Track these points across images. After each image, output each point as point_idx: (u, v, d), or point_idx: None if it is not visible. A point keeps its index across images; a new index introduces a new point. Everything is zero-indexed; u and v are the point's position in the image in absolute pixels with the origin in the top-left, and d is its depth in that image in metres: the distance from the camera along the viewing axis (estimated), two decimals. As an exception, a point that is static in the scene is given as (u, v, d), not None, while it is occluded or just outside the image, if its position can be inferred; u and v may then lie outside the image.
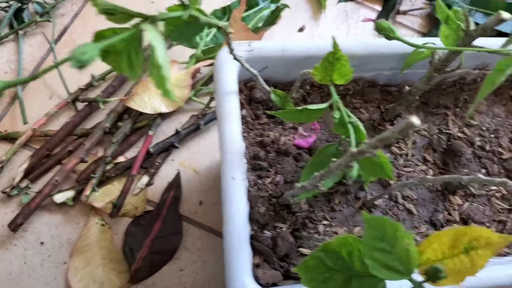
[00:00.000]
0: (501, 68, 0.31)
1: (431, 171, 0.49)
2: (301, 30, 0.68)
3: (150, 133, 0.56)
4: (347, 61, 0.35)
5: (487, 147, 0.49)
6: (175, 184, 0.56)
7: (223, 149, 0.40)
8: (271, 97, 0.43)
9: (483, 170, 0.49)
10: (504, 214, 0.48)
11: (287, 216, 0.44)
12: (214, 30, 0.64)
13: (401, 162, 0.48)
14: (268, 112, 0.38)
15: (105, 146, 0.57)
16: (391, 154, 0.49)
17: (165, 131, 0.59)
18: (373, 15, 0.70)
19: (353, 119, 0.37)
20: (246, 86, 0.46)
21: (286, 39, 0.43)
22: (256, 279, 0.41)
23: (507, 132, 0.51)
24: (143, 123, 0.58)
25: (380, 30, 0.27)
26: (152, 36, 0.22)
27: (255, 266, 0.42)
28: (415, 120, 0.25)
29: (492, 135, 0.50)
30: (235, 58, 0.37)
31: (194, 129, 0.58)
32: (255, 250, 0.43)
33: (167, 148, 0.57)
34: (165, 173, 0.58)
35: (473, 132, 0.50)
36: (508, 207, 0.49)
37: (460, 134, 0.50)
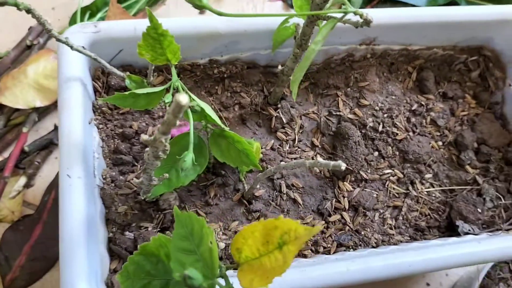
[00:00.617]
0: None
1: (318, 157, 0.45)
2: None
3: (24, 130, 0.51)
4: (172, 37, 0.30)
5: (380, 128, 0.46)
6: (56, 185, 0.52)
7: (60, 142, 0.35)
8: (126, 83, 0.39)
9: (376, 153, 0.45)
10: (400, 199, 0.45)
11: (154, 214, 0.40)
12: (102, 14, 0.59)
13: (286, 149, 0.44)
14: (99, 99, 0.33)
15: (-21, 145, 0.52)
16: (276, 140, 0.45)
17: (48, 127, 0.54)
18: (282, -6, 0.66)
19: (193, 103, 0.32)
20: (103, 73, 0.42)
21: (139, 19, 0.39)
22: (111, 285, 0.36)
23: (403, 111, 0.47)
24: (19, 119, 0.53)
25: None
26: None
27: (113, 271, 0.38)
28: (182, 98, 0.20)
29: (386, 115, 0.46)
30: (77, 50, 0.33)
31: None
32: (114, 254, 0.39)
33: (47, 145, 0.52)
34: (47, 173, 0.53)
35: (366, 113, 0.46)
36: (404, 191, 0.45)
37: (351, 116, 0.46)
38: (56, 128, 0.52)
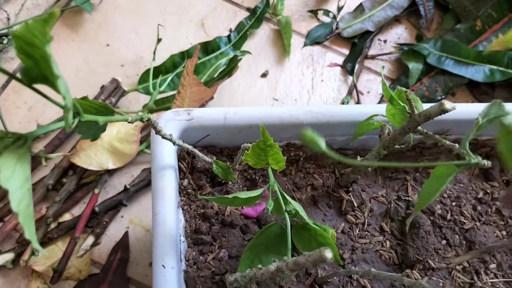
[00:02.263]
0: (440, 174, 0.28)
1: (388, 243, 0.46)
2: (264, 75, 0.66)
3: (96, 191, 0.53)
4: (279, 149, 0.32)
5: (448, 216, 0.47)
6: (123, 244, 0.53)
7: (155, 231, 0.36)
8: (213, 169, 0.40)
9: (444, 241, 0.46)
10: (465, 288, 0.46)
11: (231, 296, 0.41)
12: (172, 76, 0.61)
13: (356, 233, 0.45)
14: (199, 196, 0.35)
15: (49, 201, 0.54)
16: (346, 223, 0.46)
17: (115, 185, 0.56)
18: (340, 60, 0.68)
19: (290, 207, 0.34)
20: (189, 154, 0.43)
21: (227, 108, 0.41)
22: None
23: (469, 198, 0.48)
24: (90, 178, 0.54)
25: (304, 141, 0.25)
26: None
27: None
28: (328, 254, 0.22)
29: (454, 203, 0.47)
30: (164, 137, 0.34)
31: (144, 185, 0.55)
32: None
33: (116, 205, 0.54)
34: (114, 232, 0.54)
35: (434, 200, 0.47)
36: (469, 281, 0.46)
37: (419, 201, 0.47)
38: (126, 189, 0.54)
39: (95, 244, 0.53)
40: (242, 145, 0.38)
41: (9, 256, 0.51)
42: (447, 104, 0.30)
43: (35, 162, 0.54)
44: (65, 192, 0.52)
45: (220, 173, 0.41)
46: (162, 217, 0.37)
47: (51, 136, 0.56)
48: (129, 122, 0.27)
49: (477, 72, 0.65)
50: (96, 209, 0.52)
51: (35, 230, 0.19)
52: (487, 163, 0.26)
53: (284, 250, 0.38)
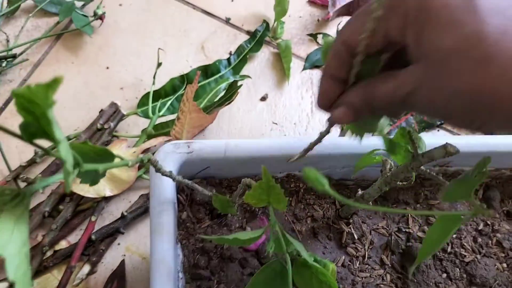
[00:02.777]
0: (445, 222, 0.27)
1: (388, 276, 0.45)
2: (263, 99, 0.65)
3: (93, 219, 0.52)
4: (281, 190, 0.31)
5: (449, 249, 0.46)
6: (119, 274, 0.52)
7: (153, 269, 0.36)
8: (213, 203, 0.40)
9: (444, 275, 0.46)
10: (467, 322, 0.45)
11: (229, 332, 0.41)
12: (171, 99, 0.61)
13: (357, 266, 0.45)
14: (201, 236, 0.34)
15: (45, 228, 0.53)
16: (347, 255, 0.45)
17: (112, 211, 0.55)
18: (340, 84, 0.68)
19: (291, 248, 0.33)
20: (187, 186, 0.43)
21: (228, 141, 0.40)
22: None
23: (470, 230, 0.48)
24: (87, 205, 0.54)
25: (307, 181, 0.24)
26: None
27: None
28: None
29: (454, 235, 0.47)
30: (164, 174, 0.34)
31: (141, 212, 0.54)
32: None
33: (112, 233, 0.53)
34: (110, 259, 0.53)
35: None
36: (470, 314, 0.45)
37: (420, 234, 0.47)
38: (123, 216, 0.53)
39: (91, 272, 0.52)
40: (242, 179, 0.38)
41: (3, 286, 0.50)
42: (451, 147, 0.30)
43: (32, 189, 0.53)
44: (62, 219, 0.52)
45: (219, 207, 0.40)
46: (161, 255, 0.36)
47: (48, 161, 0.56)
48: (129, 166, 0.27)
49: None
50: (93, 236, 0.52)
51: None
52: (492, 213, 0.25)
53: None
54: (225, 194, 0.44)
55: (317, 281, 0.38)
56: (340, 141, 0.43)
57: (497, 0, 0.22)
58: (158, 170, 0.33)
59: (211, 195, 0.40)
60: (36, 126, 0.20)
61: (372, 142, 0.41)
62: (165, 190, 0.38)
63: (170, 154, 0.40)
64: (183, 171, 0.41)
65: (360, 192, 0.43)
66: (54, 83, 0.16)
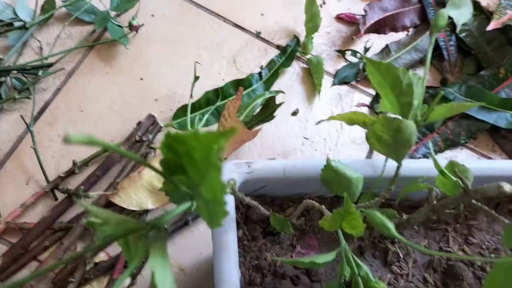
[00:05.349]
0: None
1: (431, 294, 0.47)
2: (294, 113, 0.66)
3: (135, 231, 0.52)
4: (359, 216, 0.32)
5: (488, 268, 0.48)
6: (159, 286, 0.52)
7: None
8: (271, 222, 0.41)
9: (484, 293, 0.47)
10: None
11: None
12: (208, 113, 0.62)
13: (402, 284, 0.46)
14: (278, 258, 0.35)
15: (86, 240, 0.53)
16: (391, 273, 0.47)
17: (151, 224, 0.56)
18: (368, 100, 0.69)
19: (362, 271, 0.34)
20: (242, 204, 0.44)
21: (286, 161, 0.41)
22: None
23: (507, 250, 0.50)
24: (128, 218, 0.54)
25: (374, 224, 0.25)
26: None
27: None
28: None
29: (493, 255, 0.49)
30: (235, 195, 0.34)
31: (181, 225, 0.54)
32: None
33: (152, 246, 0.53)
34: (149, 272, 0.54)
35: (474, 251, 0.49)
36: (508, 332, 0.47)
37: (460, 253, 0.48)
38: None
39: (131, 284, 0.52)
40: (304, 200, 0.39)
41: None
42: (506, 186, 0.32)
43: (72, 200, 0.53)
44: (103, 231, 0.52)
45: (277, 226, 0.41)
46: (226, 275, 0.37)
47: (88, 172, 0.56)
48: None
49: (500, 118, 0.68)
50: (134, 249, 0.52)
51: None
52: None
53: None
54: (278, 212, 0.45)
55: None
56: (392, 164, 0.44)
57: None
58: (234, 193, 0.33)
59: (269, 215, 0.41)
60: (175, 163, 0.20)
61: (421, 164, 0.42)
62: (229, 208, 0.39)
63: (232, 174, 0.40)
64: (241, 190, 0.42)
65: (405, 216, 0.44)
66: (230, 133, 0.17)
